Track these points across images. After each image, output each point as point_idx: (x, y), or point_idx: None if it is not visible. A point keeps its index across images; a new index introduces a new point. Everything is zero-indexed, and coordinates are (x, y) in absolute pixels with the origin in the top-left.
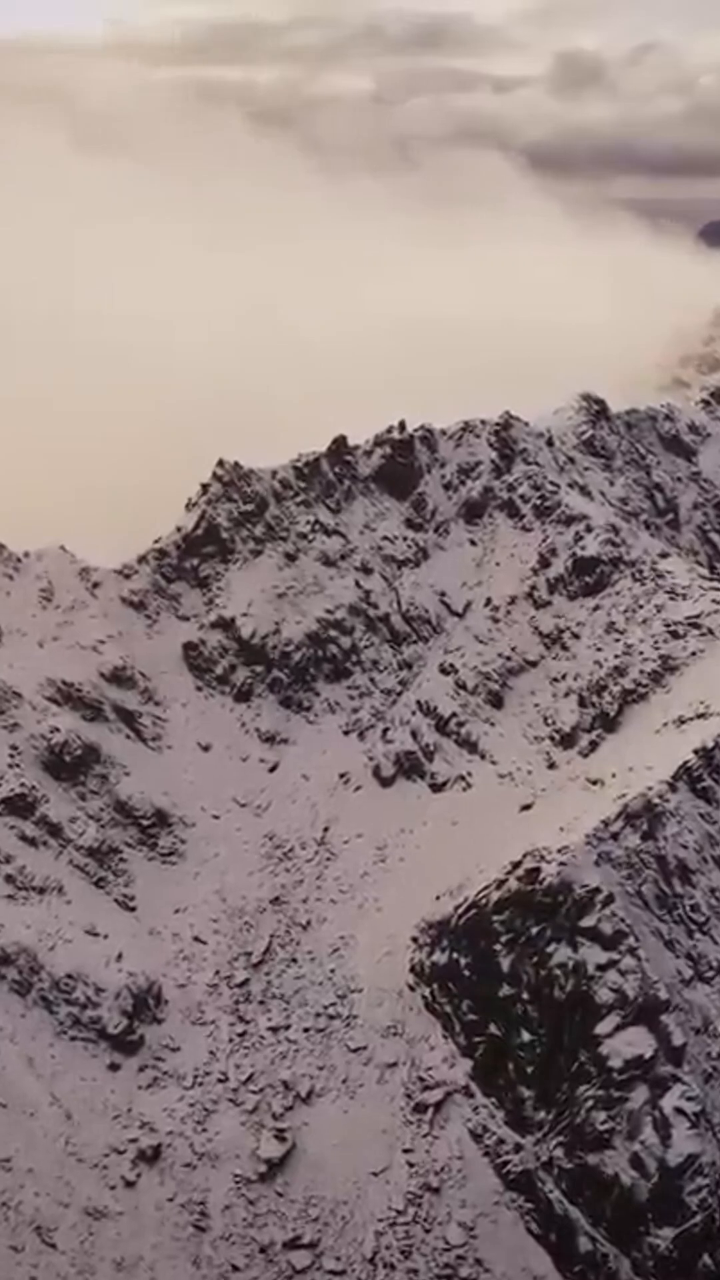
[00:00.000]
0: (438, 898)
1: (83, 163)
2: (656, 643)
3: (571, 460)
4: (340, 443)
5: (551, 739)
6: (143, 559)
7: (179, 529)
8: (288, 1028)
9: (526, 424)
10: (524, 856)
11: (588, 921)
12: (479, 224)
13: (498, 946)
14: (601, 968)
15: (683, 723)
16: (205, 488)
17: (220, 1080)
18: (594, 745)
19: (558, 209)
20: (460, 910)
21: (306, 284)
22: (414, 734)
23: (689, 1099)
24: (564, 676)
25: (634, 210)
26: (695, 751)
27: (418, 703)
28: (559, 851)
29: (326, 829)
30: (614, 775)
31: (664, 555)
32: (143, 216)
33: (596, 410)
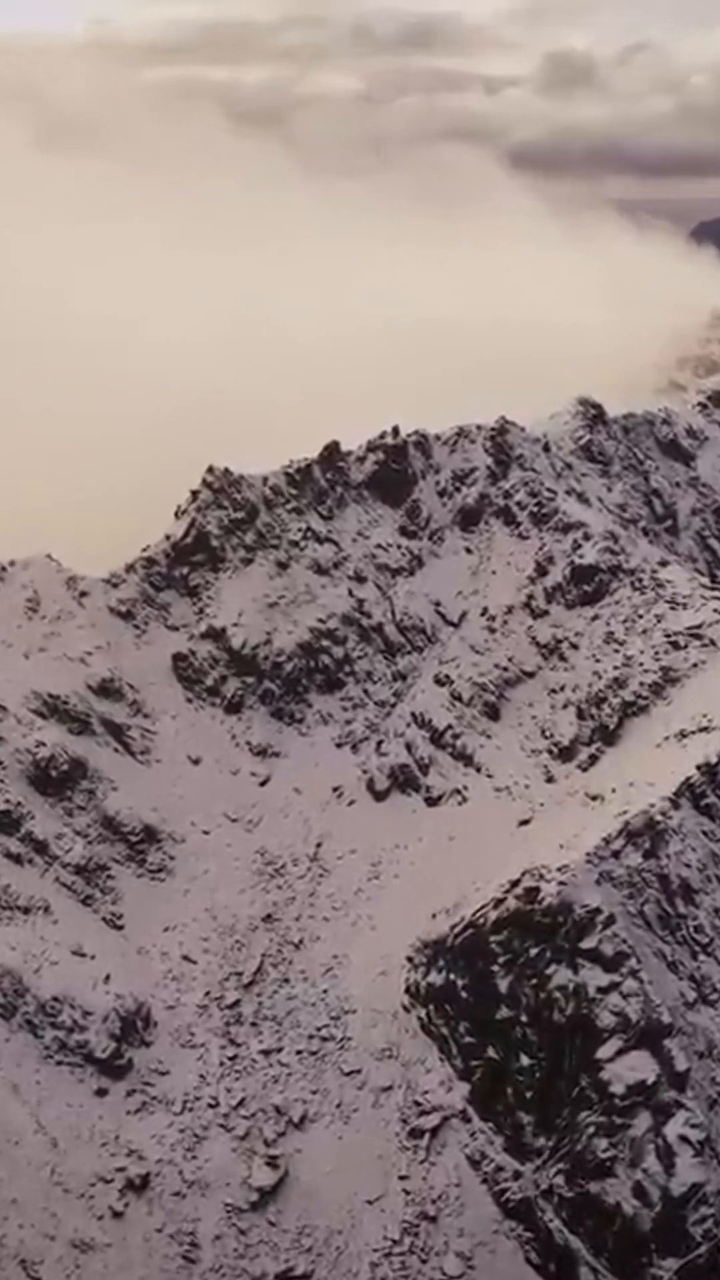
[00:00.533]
0: (434, 916)
1: (51, 162)
2: (657, 654)
3: (569, 466)
4: (332, 448)
5: (550, 752)
6: (131, 567)
7: (168, 537)
8: (280, 1050)
9: (523, 429)
10: (523, 875)
11: (588, 943)
12: (469, 225)
13: (496, 967)
14: (603, 990)
15: (684, 736)
16: (195, 494)
17: (210, 1105)
18: (593, 759)
19: (548, 209)
20: (457, 930)
21: (293, 286)
22: (409, 747)
23: (693, 1126)
24: (562, 688)
25: (625, 210)
26: (698, 767)
27: (412, 715)
28: (559, 870)
29: (319, 844)
30: (614, 790)
31: (663, 563)
32: (122, 217)
33: (594, 415)
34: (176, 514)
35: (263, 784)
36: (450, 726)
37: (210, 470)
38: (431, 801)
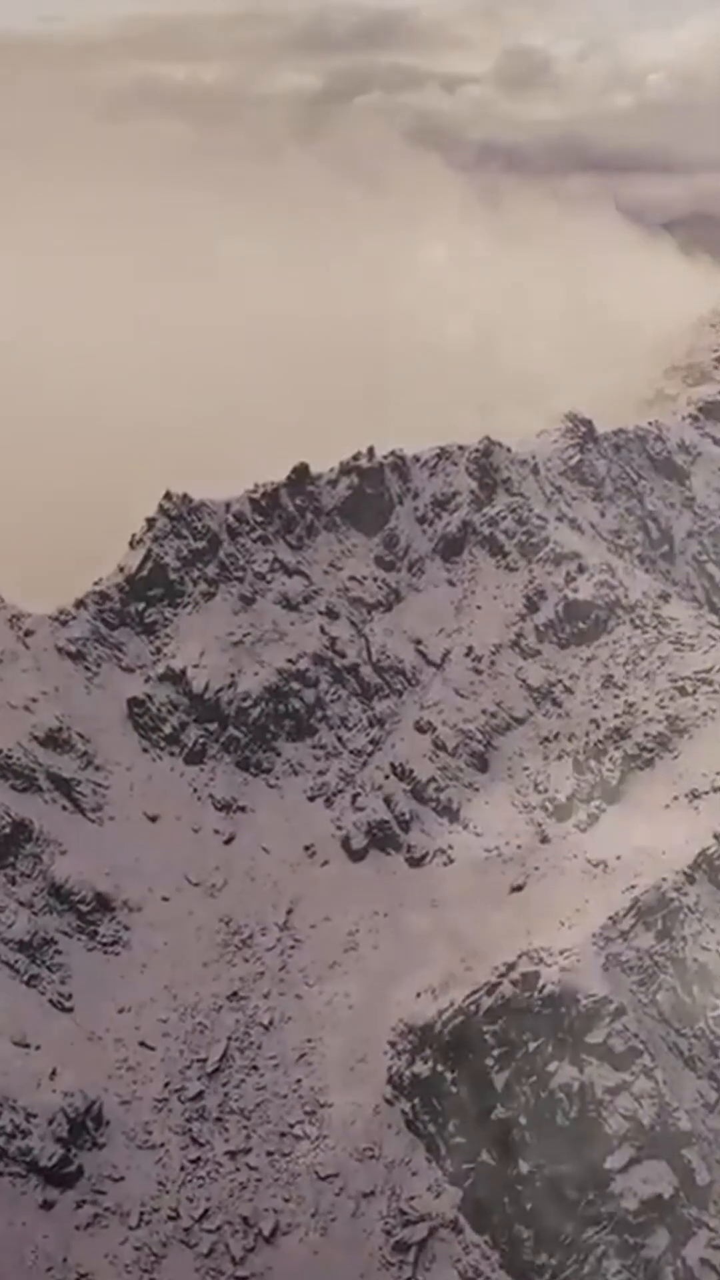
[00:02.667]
0: (418, 995)
1: None
2: (662, 700)
3: (559, 489)
4: (301, 471)
5: (544, 809)
6: (81, 603)
7: (121, 569)
8: (248, 1151)
9: (509, 449)
10: (519, 957)
11: (595, 1037)
12: (432, 226)
13: (490, 1061)
14: (611, 1091)
15: (696, 797)
16: (151, 522)
17: (170, 1218)
18: (593, 818)
19: (510, 208)
20: (445, 1016)
21: (257, 289)
22: (388, 801)
23: (716, 1248)
24: (556, 737)
25: (586, 208)
26: (716, 836)
27: (391, 765)
28: (560, 954)
29: (290, 911)
30: (619, 858)
31: (664, 597)
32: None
33: (584, 432)
34: (131, 543)
35: (227, 842)
36: (433, 779)
37: (168, 496)
38: (414, 862)
